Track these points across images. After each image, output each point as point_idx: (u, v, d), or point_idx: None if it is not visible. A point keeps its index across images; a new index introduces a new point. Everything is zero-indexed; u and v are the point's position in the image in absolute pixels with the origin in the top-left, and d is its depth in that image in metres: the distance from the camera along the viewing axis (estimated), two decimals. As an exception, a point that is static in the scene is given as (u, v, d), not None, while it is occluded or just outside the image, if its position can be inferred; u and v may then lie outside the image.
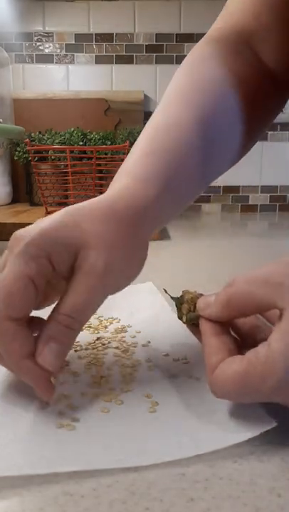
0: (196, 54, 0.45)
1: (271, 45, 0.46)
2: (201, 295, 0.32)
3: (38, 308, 0.32)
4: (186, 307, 0.33)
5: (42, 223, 0.30)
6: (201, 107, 0.40)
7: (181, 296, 0.34)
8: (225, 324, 0.30)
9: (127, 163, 0.37)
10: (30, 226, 0.31)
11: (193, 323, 0.32)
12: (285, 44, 0.46)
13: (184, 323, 0.34)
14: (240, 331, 0.31)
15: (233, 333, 0.30)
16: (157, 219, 0.35)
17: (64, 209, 0.32)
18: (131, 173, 0.35)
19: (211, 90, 0.41)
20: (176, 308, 0.34)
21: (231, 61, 0.44)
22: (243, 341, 0.31)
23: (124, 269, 0.31)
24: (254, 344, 0.26)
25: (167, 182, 0.35)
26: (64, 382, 0.32)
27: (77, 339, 0.40)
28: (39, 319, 0.31)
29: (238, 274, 0.28)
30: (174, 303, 0.34)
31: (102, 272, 0.29)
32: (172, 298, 0.34)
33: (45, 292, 0.30)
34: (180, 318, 0.34)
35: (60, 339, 0.28)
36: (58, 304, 0.29)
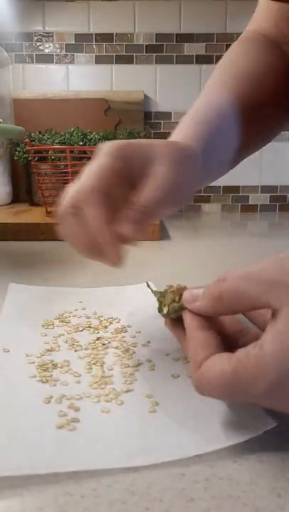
0: (231, 52, 0.53)
1: None
2: (186, 288, 0.31)
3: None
4: (170, 297, 0.31)
5: (129, 140, 0.39)
6: (243, 88, 0.48)
7: (164, 290, 0.33)
8: (211, 320, 0.28)
9: (180, 129, 0.46)
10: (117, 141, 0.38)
11: (172, 318, 0.31)
12: None
13: (163, 315, 0.32)
14: (222, 333, 0.30)
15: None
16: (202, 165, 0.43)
17: None
18: (183, 136, 0.44)
19: (248, 76, 0.49)
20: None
21: (262, 55, 0.52)
22: (225, 345, 0.29)
23: (182, 189, 0.39)
24: (236, 348, 0.25)
25: (207, 147, 0.43)
26: (64, 383, 0.32)
27: (78, 339, 0.40)
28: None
29: (231, 269, 0.27)
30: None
31: (170, 182, 0.37)
32: (153, 292, 0.34)
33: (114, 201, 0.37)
34: (160, 310, 0.32)
35: (138, 220, 0.35)
36: (135, 197, 0.36)
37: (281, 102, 0.52)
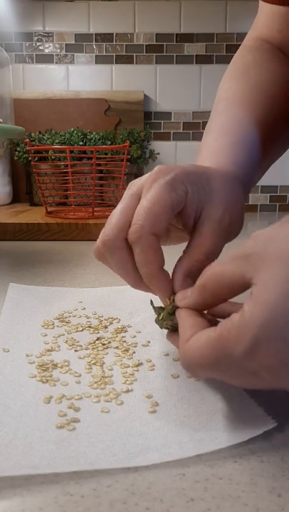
0: (240, 62, 0.52)
1: None
2: None
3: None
4: (166, 302, 0.33)
5: (182, 165, 0.35)
6: (262, 106, 0.47)
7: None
8: (201, 316, 0.29)
9: (207, 153, 0.43)
10: (169, 166, 0.35)
11: (170, 327, 0.32)
12: None
13: (160, 323, 0.33)
14: None
15: None
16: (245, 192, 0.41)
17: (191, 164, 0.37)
18: (225, 158, 0.41)
19: (265, 92, 0.48)
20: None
21: (271, 65, 0.51)
22: None
23: (237, 223, 0.36)
24: None
25: (246, 169, 0.41)
26: (64, 383, 0.32)
27: (77, 339, 0.40)
28: None
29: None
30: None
31: (226, 223, 0.34)
32: (154, 308, 0.34)
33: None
34: (157, 320, 0.34)
35: (193, 272, 0.33)
36: (189, 244, 0.34)
37: None
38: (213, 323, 0.29)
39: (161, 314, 0.33)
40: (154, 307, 0.34)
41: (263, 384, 0.25)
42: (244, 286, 0.26)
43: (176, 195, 0.32)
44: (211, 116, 0.48)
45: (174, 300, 0.32)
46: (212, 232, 0.34)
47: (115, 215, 0.34)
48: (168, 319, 0.32)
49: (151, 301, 0.35)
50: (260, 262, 0.25)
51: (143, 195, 0.33)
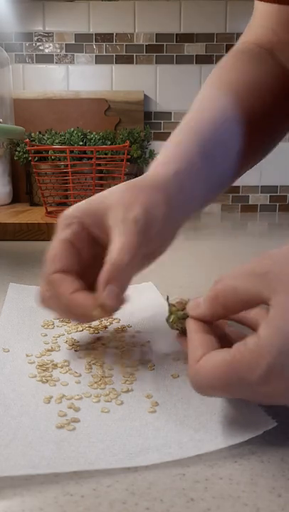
0: (223, 65, 0.51)
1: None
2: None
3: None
4: (176, 308, 0.33)
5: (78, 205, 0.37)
6: (228, 108, 0.45)
7: (173, 302, 0.34)
8: (212, 327, 0.29)
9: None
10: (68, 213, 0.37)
11: (179, 329, 0.33)
12: None
13: (170, 324, 0.33)
14: (224, 340, 0.30)
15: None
16: (180, 192, 0.39)
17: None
18: (156, 162, 0.42)
19: (235, 95, 0.46)
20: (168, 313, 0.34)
21: (255, 69, 0.50)
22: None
23: (157, 233, 0.36)
24: None
25: (184, 164, 0.40)
26: (64, 383, 0.32)
27: (77, 339, 0.40)
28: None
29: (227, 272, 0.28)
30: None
31: (131, 218, 0.34)
32: (169, 304, 0.34)
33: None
34: (167, 320, 0.34)
35: (116, 280, 0.33)
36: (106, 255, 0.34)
37: (279, 112, 0.50)
38: (222, 338, 0.29)
39: (172, 317, 0.33)
40: (169, 304, 0.34)
41: (275, 403, 0.25)
42: (260, 303, 0.26)
43: (69, 230, 0.36)
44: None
45: (184, 304, 0.32)
46: (119, 232, 0.34)
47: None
48: (178, 322, 0.32)
49: (168, 297, 0.35)
50: (277, 282, 0.24)
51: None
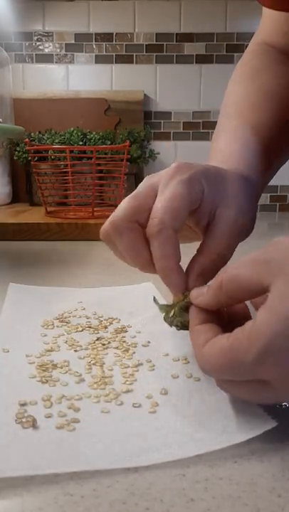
0: (247, 67, 0.52)
1: None
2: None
3: None
4: (177, 298, 0.33)
5: (200, 164, 0.36)
6: (271, 111, 0.47)
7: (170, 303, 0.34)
8: (214, 315, 0.30)
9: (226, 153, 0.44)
10: (187, 163, 0.35)
11: (179, 325, 0.33)
12: None
13: (169, 320, 0.33)
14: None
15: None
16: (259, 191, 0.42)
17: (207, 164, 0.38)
18: (239, 162, 0.42)
19: (273, 96, 0.48)
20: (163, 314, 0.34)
21: (277, 69, 0.51)
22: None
23: (249, 225, 0.37)
24: None
25: (259, 173, 0.42)
26: (64, 383, 0.32)
27: (77, 339, 0.40)
28: None
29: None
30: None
31: (240, 224, 0.35)
32: (159, 305, 0.34)
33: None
34: (166, 318, 0.34)
35: (206, 271, 0.34)
36: (204, 244, 0.35)
37: None
38: (224, 322, 0.30)
39: (173, 310, 0.33)
40: (158, 304, 0.34)
41: (276, 396, 0.25)
42: (262, 291, 0.26)
43: (194, 193, 0.33)
44: (219, 120, 0.49)
45: (186, 296, 0.32)
46: (227, 232, 0.34)
47: (127, 200, 0.34)
48: (179, 316, 0.32)
49: (154, 298, 0.35)
50: (278, 270, 0.25)
51: (160, 190, 0.34)
